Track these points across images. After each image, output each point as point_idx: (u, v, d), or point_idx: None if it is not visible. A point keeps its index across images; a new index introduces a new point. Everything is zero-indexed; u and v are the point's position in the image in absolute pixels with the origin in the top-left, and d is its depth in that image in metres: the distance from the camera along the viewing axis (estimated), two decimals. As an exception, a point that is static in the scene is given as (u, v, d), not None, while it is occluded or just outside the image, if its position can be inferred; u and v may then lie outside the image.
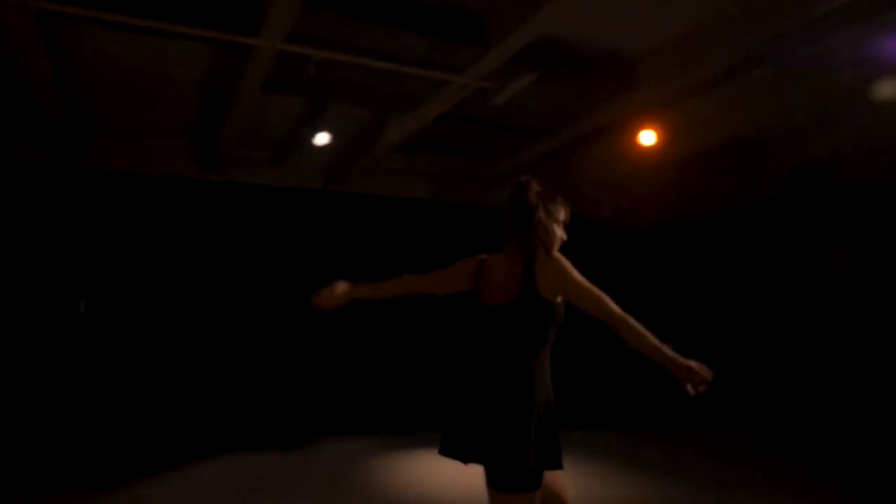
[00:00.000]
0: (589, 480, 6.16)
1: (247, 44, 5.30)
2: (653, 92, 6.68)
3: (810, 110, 7.57)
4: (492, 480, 2.55)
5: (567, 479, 2.87)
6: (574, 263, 2.71)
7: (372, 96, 6.63)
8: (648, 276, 11.45)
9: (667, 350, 2.46)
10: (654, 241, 11.74)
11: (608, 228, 11.56)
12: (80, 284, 8.98)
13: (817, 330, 9.36)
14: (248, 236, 9.78)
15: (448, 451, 2.67)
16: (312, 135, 7.87)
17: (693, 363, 2.43)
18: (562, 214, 2.87)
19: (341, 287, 3.03)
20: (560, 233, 2.85)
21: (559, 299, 2.67)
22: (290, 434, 8.36)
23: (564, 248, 2.94)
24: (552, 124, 7.88)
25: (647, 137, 7.82)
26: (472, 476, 2.83)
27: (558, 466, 2.55)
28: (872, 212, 8.52)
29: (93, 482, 6.01)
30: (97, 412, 8.49)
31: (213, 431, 8.38)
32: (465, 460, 2.61)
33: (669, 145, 8.03)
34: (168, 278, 9.39)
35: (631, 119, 7.61)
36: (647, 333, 2.50)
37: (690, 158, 9.17)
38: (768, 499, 5.67)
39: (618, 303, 2.64)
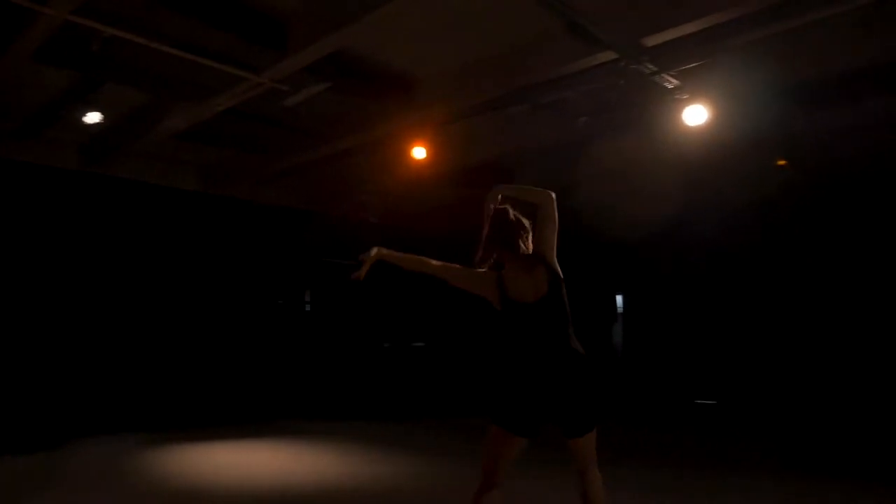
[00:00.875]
0: (356, 463, 6.68)
1: (33, 10, 4.95)
2: (428, 112, 7.45)
3: (555, 142, 8.90)
4: (576, 431, 3.09)
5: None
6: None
7: (160, 82, 6.48)
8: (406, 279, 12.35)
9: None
10: (424, 246, 12.69)
11: (380, 231, 12.24)
12: None
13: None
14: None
15: (520, 429, 3.12)
16: (77, 111, 7.37)
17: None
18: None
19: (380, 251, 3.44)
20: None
21: None
22: (40, 436, 7.66)
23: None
24: (336, 130, 8.31)
25: (419, 152, 8.57)
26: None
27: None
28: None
29: None
30: None
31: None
32: (536, 432, 3.12)
33: (438, 161, 8.88)
34: None
35: (406, 134, 8.30)
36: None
37: (454, 174, 10.18)
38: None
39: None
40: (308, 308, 11.66)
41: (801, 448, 7.61)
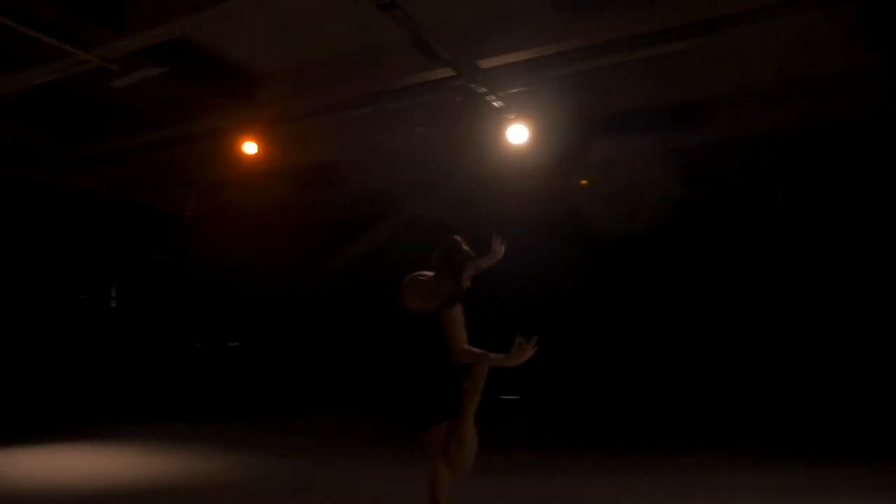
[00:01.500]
0: (160, 464, 6.51)
1: None
2: (264, 109, 7.46)
3: (384, 148, 9.28)
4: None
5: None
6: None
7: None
8: (236, 272, 12.07)
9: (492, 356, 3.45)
10: (249, 239, 12.42)
11: (194, 226, 11.81)
12: None
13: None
14: None
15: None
16: None
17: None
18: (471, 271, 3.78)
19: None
20: (467, 283, 3.76)
21: None
22: None
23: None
24: (163, 118, 7.99)
25: (250, 147, 8.49)
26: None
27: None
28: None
29: None
30: None
31: None
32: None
33: (269, 159, 8.85)
34: None
35: (238, 128, 8.18)
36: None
37: (284, 173, 10.17)
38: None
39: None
40: (114, 304, 10.91)
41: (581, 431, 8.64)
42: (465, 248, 3.76)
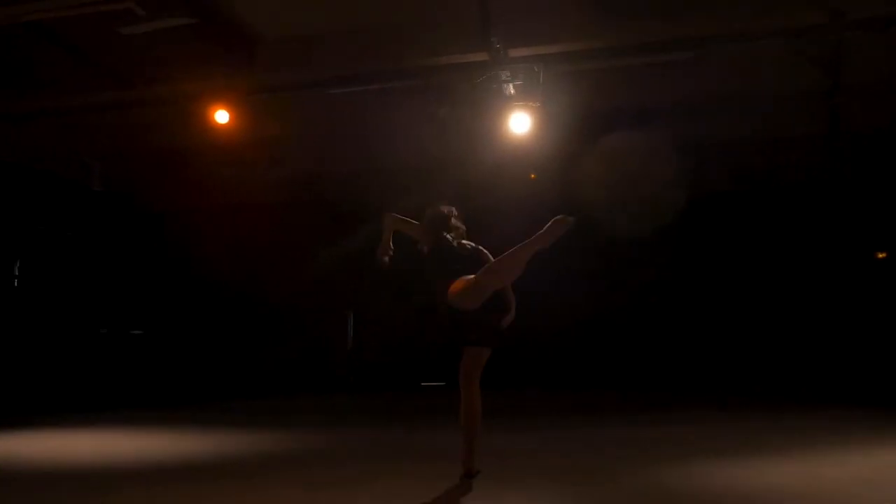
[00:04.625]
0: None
1: None
2: (265, 74, 7.21)
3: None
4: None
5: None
6: None
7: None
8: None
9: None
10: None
11: (103, 201, 10.80)
12: None
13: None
14: None
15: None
16: None
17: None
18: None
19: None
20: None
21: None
22: None
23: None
24: (135, 73, 7.35)
25: (222, 116, 8.07)
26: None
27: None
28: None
29: None
30: None
31: None
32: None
33: (235, 130, 8.42)
34: None
35: (213, 94, 7.72)
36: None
37: (225, 147, 9.61)
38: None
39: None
40: (16, 283, 9.64)
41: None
42: (453, 222, 3.98)
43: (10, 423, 6.85)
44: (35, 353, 9.43)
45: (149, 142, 9.59)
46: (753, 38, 6.62)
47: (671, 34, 6.53)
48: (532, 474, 4.00)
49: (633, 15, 6.28)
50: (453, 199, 4.16)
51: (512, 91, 7.07)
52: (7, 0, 5.62)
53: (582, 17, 6.43)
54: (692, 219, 9.62)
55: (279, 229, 11.41)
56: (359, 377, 11.97)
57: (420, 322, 10.44)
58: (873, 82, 7.30)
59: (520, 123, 7.32)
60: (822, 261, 9.50)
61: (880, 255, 10.86)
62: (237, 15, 6.50)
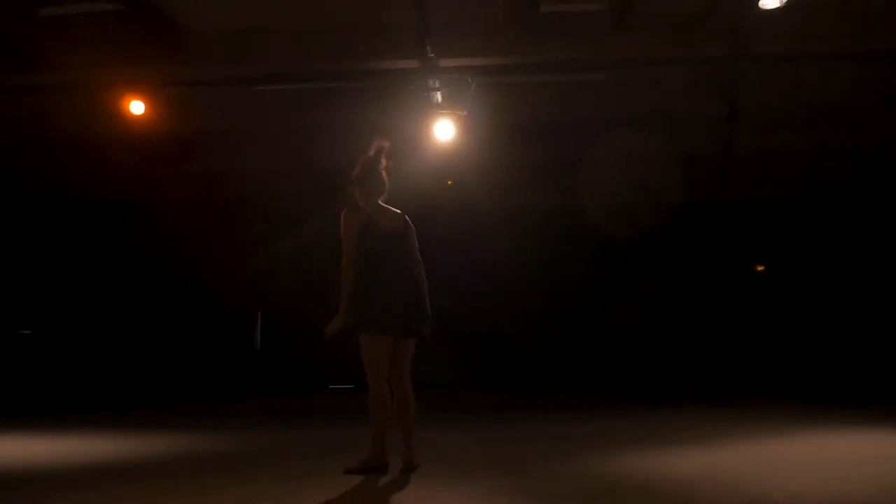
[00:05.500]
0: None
1: None
2: (192, 68, 7.03)
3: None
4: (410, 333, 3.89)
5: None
6: None
7: None
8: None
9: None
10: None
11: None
12: None
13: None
14: None
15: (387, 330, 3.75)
16: None
17: None
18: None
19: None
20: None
21: None
22: None
23: None
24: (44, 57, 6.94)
25: (137, 107, 7.77)
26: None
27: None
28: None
29: None
30: None
31: None
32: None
33: (149, 123, 8.10)
34: None
35: (113, 85, 7.41)
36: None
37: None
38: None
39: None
40: None
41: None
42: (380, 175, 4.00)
43: None
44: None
45: (46, 130, 9.04)
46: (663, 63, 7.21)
47: (592, 55, 6.95)
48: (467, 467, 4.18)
49: (558, 35, 6.63)
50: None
51: (439, 99, 7.30)
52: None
53: (510, 34, 6.72)
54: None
55: (189, 226, 11.04)
56: (267, 379, 11.78)
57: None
58: (767, 111, 8.07)
59: (444, 131, 7.54)
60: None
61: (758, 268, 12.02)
62: (167, 4, 6.31)
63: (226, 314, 11.58)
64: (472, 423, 6.59)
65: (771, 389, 9.54)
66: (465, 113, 7.08)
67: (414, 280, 3.92)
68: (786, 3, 5.12)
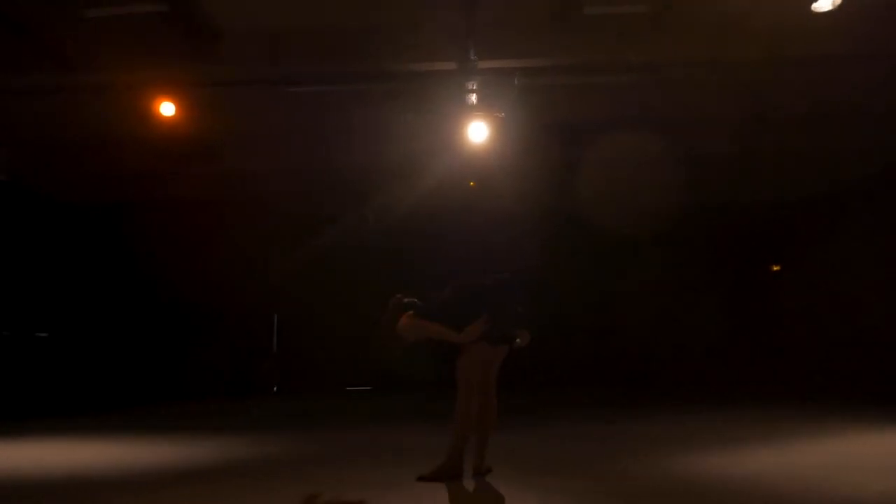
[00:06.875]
0: None
1: None
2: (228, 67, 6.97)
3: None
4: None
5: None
6: None
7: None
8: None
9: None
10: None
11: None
12: None
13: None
14: None
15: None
16: None
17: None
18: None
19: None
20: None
21: None
22: None
23: None
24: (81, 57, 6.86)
25: (168, 108, 7.70)
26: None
27: None
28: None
29: None
30: None
31: None
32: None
33: (178, 123, 8.03)
34: None
35: (164, 85, 7.37)
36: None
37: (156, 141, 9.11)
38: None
39: None
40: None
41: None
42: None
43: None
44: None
45: (71, 131, 8.94)
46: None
47: (632, 57, 6.95)
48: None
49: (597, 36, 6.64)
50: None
51: (474, 101, 7.27)
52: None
53: (551, 36, 6.70)
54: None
55: (212, 227, 10.97)
56: (283, 380, 11.75)
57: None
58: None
59: (478, 133, 7.51)
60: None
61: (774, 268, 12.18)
62: (206, 4, 6.24)
63: (243, 315, 11.53)
64: (526, 424, 6.48)
65: (792, 390, 9.61)
66: (502, 114, 7.05)
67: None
68: (839, 4, 5.12)
